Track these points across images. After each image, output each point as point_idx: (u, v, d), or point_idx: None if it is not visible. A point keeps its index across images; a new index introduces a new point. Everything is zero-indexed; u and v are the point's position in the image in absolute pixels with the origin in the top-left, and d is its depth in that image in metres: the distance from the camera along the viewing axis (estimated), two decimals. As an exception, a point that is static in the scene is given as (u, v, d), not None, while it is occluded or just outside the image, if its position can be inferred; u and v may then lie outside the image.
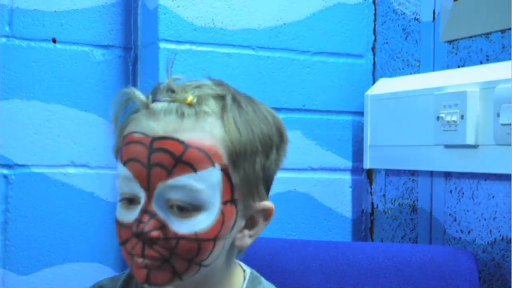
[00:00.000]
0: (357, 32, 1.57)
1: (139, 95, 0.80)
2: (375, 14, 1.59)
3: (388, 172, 1.51)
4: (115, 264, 1.47)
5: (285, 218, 1.50)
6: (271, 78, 1.49)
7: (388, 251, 1.23)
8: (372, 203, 1.56)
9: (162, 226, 0.77)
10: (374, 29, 1.59)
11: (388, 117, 1.44)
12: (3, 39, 1.39)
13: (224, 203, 0.78)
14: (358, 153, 1.56)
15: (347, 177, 1.57)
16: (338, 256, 1.24)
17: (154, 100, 0.79)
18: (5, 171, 1.39)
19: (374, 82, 1.58)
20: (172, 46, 1.40)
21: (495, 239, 1.24)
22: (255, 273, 0.91)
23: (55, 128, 1.43)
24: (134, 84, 1.49)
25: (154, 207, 0.77)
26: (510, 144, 1.14)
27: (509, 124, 1.14)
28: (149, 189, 0.77)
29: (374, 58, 1.59)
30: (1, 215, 1.38)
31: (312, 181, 1.53)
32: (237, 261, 0.90)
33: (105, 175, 1.46)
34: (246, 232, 0.83)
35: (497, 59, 1.26)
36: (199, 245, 0.77)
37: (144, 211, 0.77)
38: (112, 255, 1.47)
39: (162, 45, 1.40)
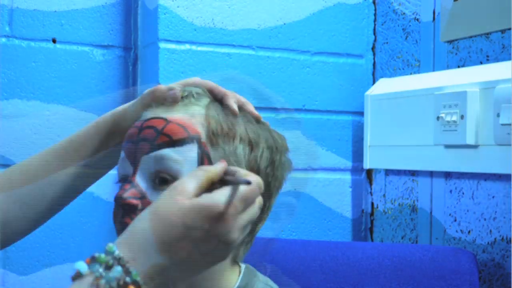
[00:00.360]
0: (357, 32, 1.57)
1: None
2: (375, 14, 1.59)
3: (388, 172, 1.51)
4: (115, 264, 1.47)
5: (285, 218, 1.50)
6: (271, 78, 1.49)
7: (388, 251, 1.23)
8: (372, 203, 1.56)
9: (142, 197, 0.81)
10: (374, 29, 1.59)
11: (388, 117, 1.44)
12: (3, 39, 1.39)
13: None
14: (358, 153, 1.56)
15: (347, 177, 1.57)
16: (338, 256, 1.24)
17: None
18: (5, 171, 1.39)
19: (374, 82, 1.58)
20: (172, 46, 1.40)
21: (495, 239, 1.24)
22: (250, 267, 0.92)
23: (55, 128, 1.43)
24: (134, 84, 1.49)
25: (137, 178, 0.81)
26: (510, 144, 1.14)
27: (509, 124, 1.14)
28: (135, 162, 0.82)
29: (374, 58, 1.59)
30: (1, 215, 1.38)
31: (312, 181, 1.53)
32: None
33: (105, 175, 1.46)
34: None
35: (497, 59, 1.26)
36: None
37: (128, 181, 0.82)
38: (112, 255, 1.47)
39: (162, 45, 1.40)
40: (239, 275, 0.90)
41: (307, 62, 1.53)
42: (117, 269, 0.66)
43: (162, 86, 0.87)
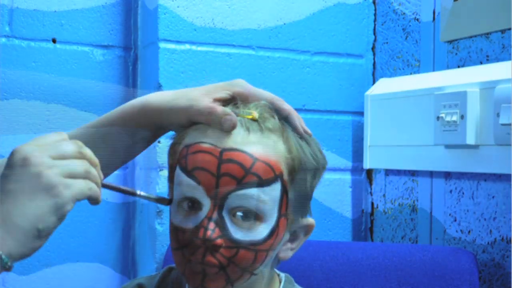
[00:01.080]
0: (357, 32, 1.57)
1: None
2: (375, 14, 1.59)
3: (388, 172, 1.51)
4: (115, 264, 1.47)
5: (285, 218, 1.50)
6: (271, 78, 1.49)
7: (388, 251, 1.23)
8: (372, 203, 1.56)
9: (224, 235, 0.79)
10: (374, 29, 1.59)
11: (388, 117, 1.44)
12: (3, 39, 1.39)
13: (281, 216, 0.82)
14: (358, 153, 1.56)
15: (347, 177, 1.57)
16: (338, 256, 1.24)
17: None
18: (5, 171, 1.39)
19: (374, 82, 1.58)
20: (172, 46, 1.40)
21: (495, 239, 1.24)
22: (289, 276, 0.94)
23: (55, 128, 1.43)
24: (134, 84, 1.49)
25: (219, 215, 0.79)
26: (510, 144, 1.14)
27: (509, 124, 1.14)
28: (216, 197, 0.79)
29: (374, 58, 1.59)
30: (1, 215, 1.38)
31: (312, 181, 1.53)
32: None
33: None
34: (289, 245, 0.87)
35: (497, 59, 1.26)
36: (256, 255, 0.80)
37: (209, 218, 0.79)
38: (112, 255, 1.47)
39: (162, 45, 1.40)
40: (280, 284, 0.92)
41: (307, 62, 1.53)
42: None
43: (219, 109, 0.81)
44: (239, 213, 0.79)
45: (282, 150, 0.82)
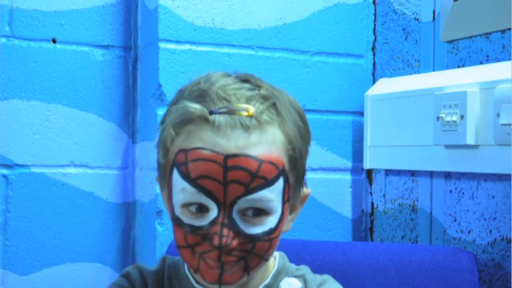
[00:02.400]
0: (357, 32, 1.57)
1: (193, 106, 0.80)
2: (375, 14, 1.59)
3: (388, 172, 1.51)
4: (115, 264, 1.47)
5: (285, 218, 1.50)
6: (271, 78, 1.49)
7: (388, 251, 1.23)
8: (372, 203, 1.56)
9: (238, 235, 0.80)
10: (374, 29, 1.59)
11: (388, 117, 1.44)
12: (3, 39, 1.39)
13: (285, 203, 0.84)
14: (358, 153, 1.56)
15: (347, 177, 1.57)
16: (338, 256, 1.24)
17: (210, 112, 0.79)
18: (5, 171, 1.39)
19: (374, 82, 1.58)
20: (172, 46, 1.40)
21: (495, 239, 1.24)
22: (282, 253, 0.96)
23: (55, 128, 1.43)
24: (134, 84, 1.49)
25: (230, 219, 0.80)
26: (510, 144, 1.14)
27: (509, 124, 1.14)
28: (225, 203, 0.79)
29: (374, 58, 1.59)
30: (1, 215, 1.38)
31: (312, 181, 1.53)
32: None
33: (105, 175, 1.46)
34: (289, 217, 0.89)
35: (497, 59, 1.26)
36: (271, 243, 0.82)
37: (222, 224, 0.79)
38: (112, 255, 1.47)
39: (162, 45, 1.40)
40: (275, 260, 0.93)
41: (307, 62, 1.53)
42: None
43: None
44: (252, 212, 0.81)
45: (281, 141, 0.82)
